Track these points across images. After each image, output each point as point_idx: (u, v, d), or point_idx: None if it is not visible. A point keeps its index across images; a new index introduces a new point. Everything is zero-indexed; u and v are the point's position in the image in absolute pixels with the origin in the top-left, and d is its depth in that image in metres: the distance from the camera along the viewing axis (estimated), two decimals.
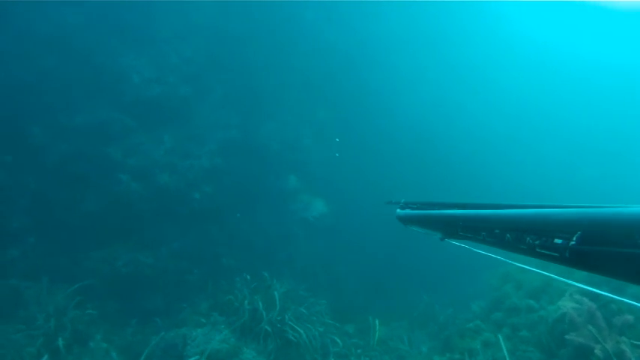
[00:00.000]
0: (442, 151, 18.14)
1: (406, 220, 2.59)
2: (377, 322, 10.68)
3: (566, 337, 6.57)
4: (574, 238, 1.17)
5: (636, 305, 1.20)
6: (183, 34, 14.60)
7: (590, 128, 22.53)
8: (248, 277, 10.06)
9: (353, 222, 15.15)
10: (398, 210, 2.74)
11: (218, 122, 13.88)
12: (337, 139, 14.30)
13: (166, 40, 14.26)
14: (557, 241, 1.25)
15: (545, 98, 22.28)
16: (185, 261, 12.45)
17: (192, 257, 12.50)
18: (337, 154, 14.44)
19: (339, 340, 9.39)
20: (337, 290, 14.00)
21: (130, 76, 13.30)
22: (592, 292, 1.60)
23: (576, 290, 7.42)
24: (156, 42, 14.09)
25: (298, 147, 15.01)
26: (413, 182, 16.05)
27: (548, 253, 1.29)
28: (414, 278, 15.55)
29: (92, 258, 11.87)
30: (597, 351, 5.89)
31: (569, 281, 1.51)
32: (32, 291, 10.63)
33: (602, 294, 1.39)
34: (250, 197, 13.65)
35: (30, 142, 12.55)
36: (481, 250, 1.83)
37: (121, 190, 12.28)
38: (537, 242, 1.33)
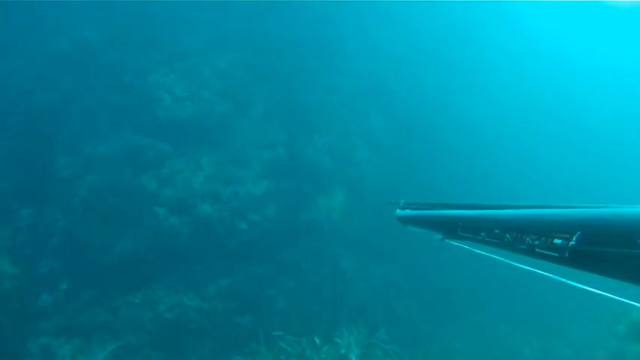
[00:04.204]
0: (512, 155, 16.41)
1: (406, 221, 2.52)
2: None
3: None
4: (574, 239, 1.16)
5: (636, 306, 1.16)
6: (216, 44, 13.23)
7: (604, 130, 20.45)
8: (317, 340, 8.33)
9: (414, 243, 13.42)
10: (397, 210, 2.63)
11: (262, 140, 12.34)
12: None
13: (198, 52, 12.88)
14: (557, 241, 1.23)
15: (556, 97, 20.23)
16: (234, 302, 10.99)
17: (242, 297, 11.03)
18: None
19: None
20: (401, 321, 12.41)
21: (160, 95, 11.97)
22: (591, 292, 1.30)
23: None
24: (186, 56, 12.73)
25: (352, 161, 13.35)
26: (484, 189, 14.34)
27: (547, 253, 1.27)
28: (486, 305, 13.82)
29: (131, 303, 10.58)
30: None
31: (568, 281, 1.37)
32: (65, 350, 9.35)
33: (601, 294, 1.28)
34: (303, 225, 12.09)
35: (56, 175, 11.41)
36: (481, 251, 1.71)
37: (158, 225, 10.93)
38: (537, 242, 1.32)
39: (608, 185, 17.67)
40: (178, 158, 11.42)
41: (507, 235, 1.47)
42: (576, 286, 1.34)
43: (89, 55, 12.40)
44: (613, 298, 1.27)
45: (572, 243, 1.17)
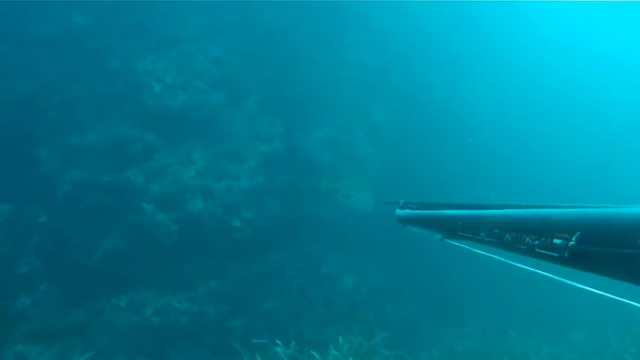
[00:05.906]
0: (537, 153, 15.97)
1: (405, 221, 2.53)
2: None
3: None
4: (573, 239, 1.16)
5: (636, 306, 1.11)
6: (210, 30, 12.45)
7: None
8: (316, 355, 7.64)
9: (413, 242, 12.83)
10: (397, 210, 2.62)
11: (258, 133, 11.63)
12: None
13: (190, 39, 12.13)
14: (557, 241, 1.23)
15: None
16: (226, 304, 10.34)
17: (234, 299, 10.39)
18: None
19: None
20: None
21: (149, 83, 11.24)
22: (589, 292, 1.28)
23: None
24: (178, 42, 11.97)
25: (353, 155, 12.69)
26: (486, 188, 13.85)
27: (547, 253, 1.27)
28: (490, 308, 13.30)
29: (116, 307, 9.90)
30: None
31: (568, 281, 1.35)
32: (44, 358, 8.65)
33: (600, 294, 1.24)
34: (300, 222, 11.45)
35: (37, 168, 10.73)
36: (481, 251, 1.73)
37: (145, 222, 10.22)
38: (537, 242, 1.32)
39: (612, 185, 17.27)
40: (168, 151, 10.72)
41: (507, 235, 1.47)
42: (576, 286, 1.31)
43: (76, 40, 11.66)
44: (613, 298, 1.22)
45: (571, 243, 1.16)
